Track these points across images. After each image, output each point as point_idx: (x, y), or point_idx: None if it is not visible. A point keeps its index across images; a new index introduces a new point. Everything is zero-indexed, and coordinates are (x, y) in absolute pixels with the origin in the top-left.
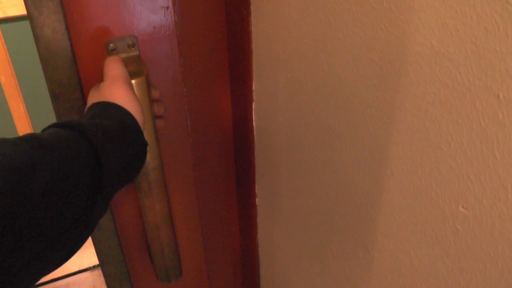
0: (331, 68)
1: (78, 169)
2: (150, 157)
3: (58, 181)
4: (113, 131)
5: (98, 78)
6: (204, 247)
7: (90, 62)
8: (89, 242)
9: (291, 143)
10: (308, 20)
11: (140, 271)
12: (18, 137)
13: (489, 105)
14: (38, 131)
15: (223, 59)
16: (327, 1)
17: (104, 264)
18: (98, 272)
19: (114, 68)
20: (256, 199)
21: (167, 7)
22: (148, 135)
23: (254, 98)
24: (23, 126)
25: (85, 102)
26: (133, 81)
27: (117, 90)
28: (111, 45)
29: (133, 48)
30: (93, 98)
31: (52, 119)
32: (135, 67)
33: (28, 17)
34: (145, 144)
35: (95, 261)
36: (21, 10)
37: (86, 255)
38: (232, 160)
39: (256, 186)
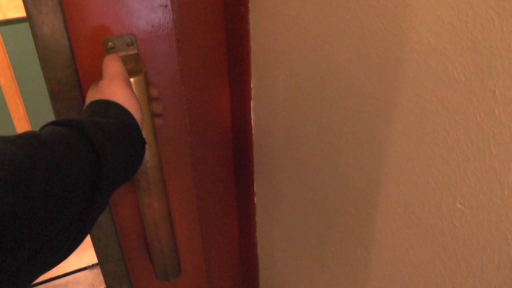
0: (329, 66)
1: (77, 167)
2: (149, 155)
3: (58, 179)
4: (112, 129)
5: (97, 76)
6: (203, 245)
7: (88, 60)
8: (88, 242)
9: (290, 141)
10: (306, 18)
11: (139, 269)
12: (17, 135)
13: (485, 101)
14: None
15: (221, 58)
16: None
17: (103, 262)
18: (97, 271)
19: (112, 66)
20: (255, 198)
21: (166, 6)
22: (146, 133)
23: (252, 96)
24: (22, 128)
25: (84, 101)
26: (131, 79)
27: (116, 88)
28: (110, 43)
29: (131, 47)
30: (92, 96)
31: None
32: (134, 66)
33: (26, 15)
34: (143, 142)
35: (94, 259)
36: (21, 12)
37: (86, 255)
38: (231, 159)
39: (254, 185)
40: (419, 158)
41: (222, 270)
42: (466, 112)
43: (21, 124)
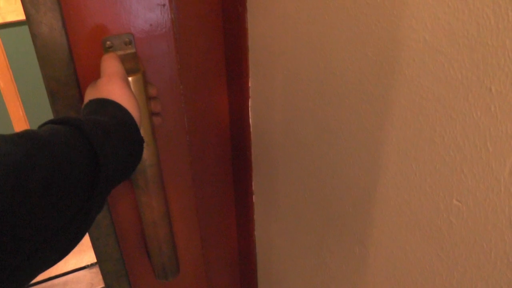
0: (326, 64)
1: (75, 166)
2: (147, 154)
3: (56, 178)
4: (110, 128)
5: (95, 75)
6: (202, 244)
7: (87, 59)
8: (88, 244)
9: (288, 140)
10: (303, 16)
11: (137, 268)
12: (15, 134)
13: (481, 98)
14: None
15: (219, 57)
16: None
17: (101, 261)
18: (96, 270)
19: (111, 65)
20: (253, 197)
21: (164, 5)
22: (145, 132)
23: (250, 95)
24: None
25: (82, 99)
26: (129, 78)
27: (114, 87)
28: (108, 42)
29: (129, 46)
30: (90, 95)
31: None
32: (132, 65)
33: (25, 15)
34: (141, 140)
35: (93, 258)
36: (20, 16)
37: (86, 256)
38: (229, 157)
39: (253, 184)
40: (416, 156)
41: (221, 268)
42: (462, 109)
43: (20, 127)
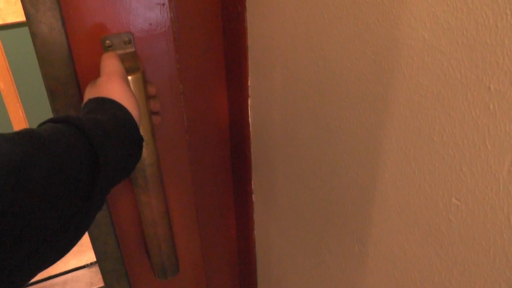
0: (325, 63)
1: (76, 166)
2: (147, 153)
3: (56, 178)
4: (109, 126)
5: (95, 74)
6: (201, 243)
7: (86, 58)
8: (88, 245)
9: (287, 139)
10: (303, 15)
11: (137, 267)
12: (15, 132)
13: (480, 96)
14: None
15: (219, 56)
16: None
17: (101, 261)
18: (96, 269)
19: (110, 64)
20: (253, 195)
21: (163, 4)
22: (144, 131)
23: (250, 94)
24: None
25: (81, 98)
26: (129, 77)
27: (114, 85)
28: (107, 41)
29: (129, 45)
30: (90, 93)
31: None
32: (132, 64)
33: (24, 14)
34: (141, 139)
35: (92, 258)
36: (20, 17)
37: (86, 256)
38: (229, 156)
39: (252, 182)
40: (415, 154)
41: (220, 267)
42: (461, 108)
43: (20, 128)
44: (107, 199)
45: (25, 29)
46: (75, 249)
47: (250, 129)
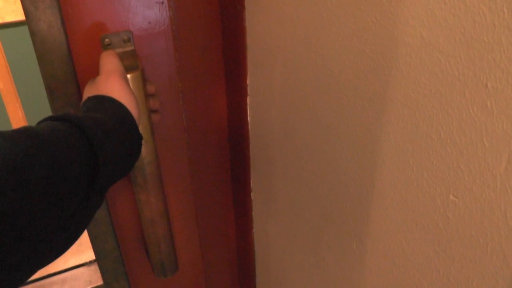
0: (324, 61)
1: (75, 165)
2: (146, 151)
3: (56, 177)
4: (109, 124)
5: (94, 72)
6: (200, 241)
7: (85, 56)
8: (88, 245)
9: (286, 137)
10: (301, 14)
11: (136, 266)
12: (14, 130)
13: (477, 94)
14: None
15: (218, 54)
16: None
17: (100, 259)
18: (95, 267)
19: (109, 62)
20: (252, 194)
21: (162, 2)
22: (143, 129)
23: (249, 92)
24: None
25: (80, 97)
26: (128, 76)
27: (113, 84)
28: (107, 40)
29: (128, 43)
30: (89, 92)
31: None
32: (131, 62)
33: (24, 12)
34: (140, 137)
35: (91, 256)
36: (19, 16)
37: (85, 256)
38: (227, 155)
39: (251, 181)
40: (413, 152)
41: (219, 265)
42: (459, 105)
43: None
44: (107, 198)
45: (24, 28)
46: (74, 247)
47: (249, 128)
